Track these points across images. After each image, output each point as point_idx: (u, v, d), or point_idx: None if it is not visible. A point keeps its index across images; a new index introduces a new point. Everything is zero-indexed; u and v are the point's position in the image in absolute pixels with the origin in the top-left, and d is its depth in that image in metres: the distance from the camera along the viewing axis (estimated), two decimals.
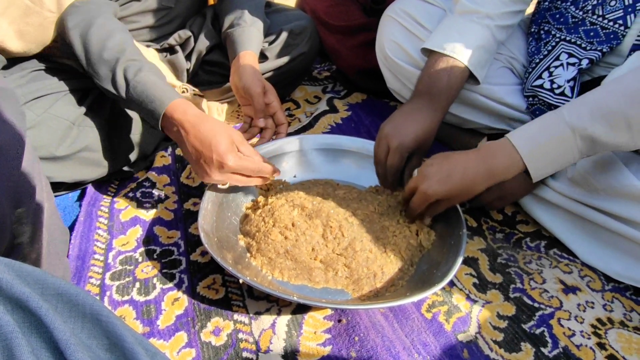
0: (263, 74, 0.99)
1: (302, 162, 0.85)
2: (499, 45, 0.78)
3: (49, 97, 0.67)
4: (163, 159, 0.89)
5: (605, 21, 0.71)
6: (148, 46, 0.94)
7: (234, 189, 0.74)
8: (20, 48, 0.66)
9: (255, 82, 0.77)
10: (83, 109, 0.70)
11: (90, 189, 0.80)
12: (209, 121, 0.63)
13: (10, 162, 0.41)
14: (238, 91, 0.81)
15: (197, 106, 0.96)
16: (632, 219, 0.59)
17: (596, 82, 0.72)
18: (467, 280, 0.65)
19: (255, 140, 0.82)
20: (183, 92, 0.93)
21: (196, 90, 0.95)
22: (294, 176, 0.84)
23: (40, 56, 0.74)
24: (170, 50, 0.95)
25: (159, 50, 0.95)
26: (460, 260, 0.59)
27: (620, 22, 0.69)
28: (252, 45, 0.85)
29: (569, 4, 0.76)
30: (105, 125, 0.74)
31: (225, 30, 0.88)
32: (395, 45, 0.85)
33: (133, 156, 0.82)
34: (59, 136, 0.66)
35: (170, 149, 0.93)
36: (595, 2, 0.72)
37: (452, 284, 0.64)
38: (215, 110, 1.04)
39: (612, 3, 0.70)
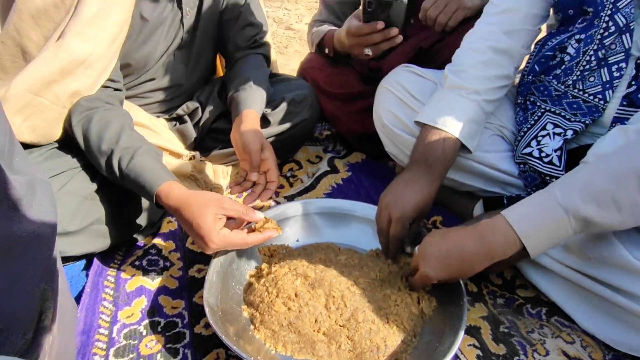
0: (266, 139, 1.04)
1: (304, 226, 0.88)
2: (488, 116, 0.83)
3: (64, 174, 0.71)
4: (169, 224, 0.92)
5: (586, 95, 0.76)
6: (158, 117, 1.00)
7: (238, 256, 0.76)
8: (30, 140, 0.70)
9: (255, 140, 0.82)
10: (95, 185, 0.74)
11: (97, 257, 0.82)
12: (189, 204, 0.66)
13: (46, 247, 0.44)
14: (237, 147, 0.85)
15: (202, 172, 1.00)
16: (623, 288, 0.60)
17: (582, 150, 0.75)
18: (470, 352, 0.65)
19: (246, 194, 0.85)
20: (190, 159, 0.98)
21: (203, 158, 0.99)
22: (297, 240, 0.86)
23: None
24: (180, 119, 1.01)
25: (169, 120, 1.01)
26: (462, 333, 0.59)
27: (600, 96, 0.74)
28: (255, 105, 0.91)
29: (551, 78, 0.82)
30: (116, 197, 0.78)
31: (231, 94, 0.94)
32: (391, 115, 0.90)
33: (141, 223, 0.84)
34: (72, 211, 0.70)
35: None
36: (575, 78, 0.78)
37: (455, 357, 0.64)
38: (221, 172, 1.08)
39: (591, 79, 0.76)
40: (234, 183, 0.84)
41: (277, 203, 0.85)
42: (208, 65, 1.04)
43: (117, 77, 0.80)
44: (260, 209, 0.82)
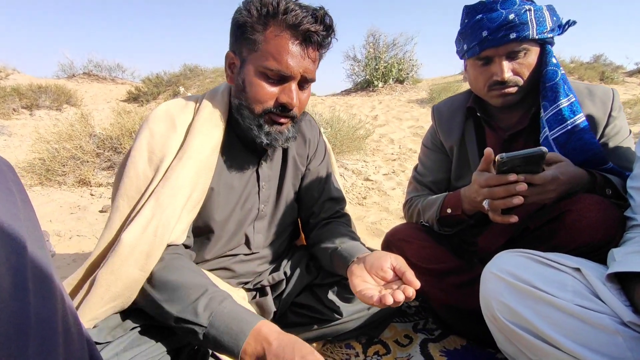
0: (354, 314, 0.94)
1: None
2: None
3: None
4: None
5: None
6: (244, 286, 0.96)
7: None
8: (111, 312, 0.71)
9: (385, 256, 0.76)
10: None
11: None
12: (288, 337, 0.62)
13: None
14: (358, 290, 0.73)
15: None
16: None
17: None
18: None
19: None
20: None
21: None
22: None
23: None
24: (261, 290, 0.96)
25: (249, 290, 0.97)
26: None
27: None
28: (365, 253, 0.82)
29: None
30: None
31: (332, 252, 0.88)
32: (506, 308, 0.75)
33: None
34: None
35: None
36: None
37: None
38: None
39: None
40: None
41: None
42: (287, 235, 1.03)
43: (188, 242, 0.82)
44: None
